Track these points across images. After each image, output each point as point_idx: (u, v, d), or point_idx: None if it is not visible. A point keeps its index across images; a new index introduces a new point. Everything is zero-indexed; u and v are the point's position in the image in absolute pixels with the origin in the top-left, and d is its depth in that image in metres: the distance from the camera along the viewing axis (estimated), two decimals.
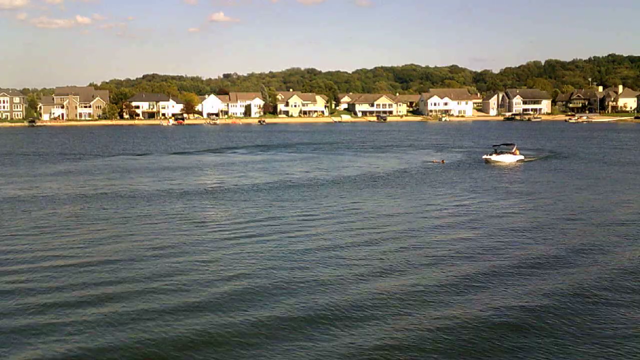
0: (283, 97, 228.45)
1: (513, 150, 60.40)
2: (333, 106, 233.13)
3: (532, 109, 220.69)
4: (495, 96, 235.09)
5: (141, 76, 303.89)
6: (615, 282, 19.08)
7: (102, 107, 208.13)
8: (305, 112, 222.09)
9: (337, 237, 25.36)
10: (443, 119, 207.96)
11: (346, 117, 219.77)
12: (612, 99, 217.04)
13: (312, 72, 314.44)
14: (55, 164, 63.49)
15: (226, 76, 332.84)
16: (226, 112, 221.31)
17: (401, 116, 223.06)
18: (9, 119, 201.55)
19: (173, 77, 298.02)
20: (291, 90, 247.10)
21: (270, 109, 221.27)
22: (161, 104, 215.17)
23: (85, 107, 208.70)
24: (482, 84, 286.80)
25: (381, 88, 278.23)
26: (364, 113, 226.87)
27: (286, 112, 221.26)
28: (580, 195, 37.58)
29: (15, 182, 46.51)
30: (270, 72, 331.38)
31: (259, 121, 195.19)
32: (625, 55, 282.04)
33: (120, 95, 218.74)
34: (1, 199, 37.31)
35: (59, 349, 14.32)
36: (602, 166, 55.53)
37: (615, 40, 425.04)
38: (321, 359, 13.76)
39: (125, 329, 15.36)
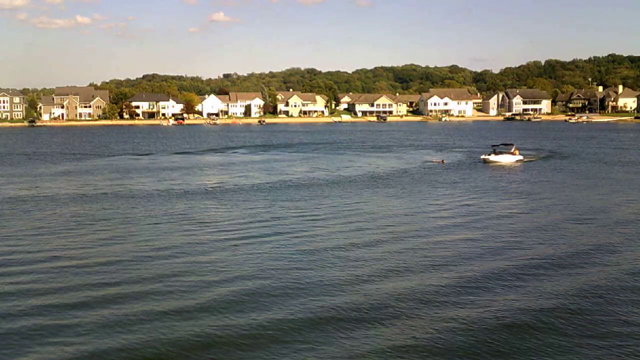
0: (283, 97, 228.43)
1: (512, 151, 60.31)
2: (333, 106, 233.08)
3: (532, 109, 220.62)
4: (495, 96, 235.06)
5: (141, 76, 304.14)
6: (622, 281, 19.08)
7: (102, 107, 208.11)
8: (305, 112, 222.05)
9: (340, 238, 25.32)
10: (443, 119, 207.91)
11: (346, 117, 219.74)
12: (612, 99, 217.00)
13: (312, 72, 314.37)
14: (56, 164, 63.47)
15: (226, 76, 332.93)
16: (226, 112, 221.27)
17: (401, 116, 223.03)
18: (9, 119, 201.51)
19: (173, 77, 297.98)
20: (291, 90, 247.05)
21: (270, 109, 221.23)
22: (161, 104, 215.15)
23: (85, 107, 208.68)
24: (482, 84, 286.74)
25: (381, 88, 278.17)
26: (364, 113, 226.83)
27: (286, 112, 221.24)
28: (580, 195, 37.58)
29: (15, 182, 46.47)
30: (270, 72, 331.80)
31: (259, 121, 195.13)
32: (625, 55, 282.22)
33: (120, 95, 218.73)
34: (1, 199, 37.30)
35: (59, 351, 14.27)
36: (602, 166, 55.50)
37: (615, 40, 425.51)
38: None
39: (126, 331, 15.31)
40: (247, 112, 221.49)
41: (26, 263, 21.70)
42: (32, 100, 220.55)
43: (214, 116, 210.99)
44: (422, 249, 23.54)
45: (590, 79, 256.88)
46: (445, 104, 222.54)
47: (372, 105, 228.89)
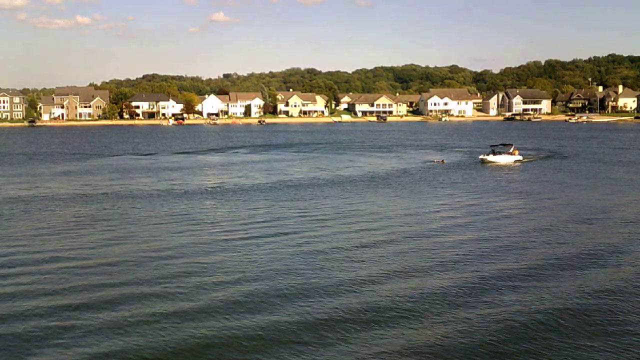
0: (283, 97, 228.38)
1: (511, 151, 60.14)
2: (333, 106, 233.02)
3: (532, 109, 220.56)
4: (495, 96, 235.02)
5: (141, 76, 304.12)
6: (628, 282, 19.07)
7: (102, 107, 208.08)
8: (305, 112, 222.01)
9: (341, 239, 25.27)
10: (443, 119, 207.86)
11: (346, 117, 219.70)
12: (612, 99, 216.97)
13: (312, 72, 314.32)
14: (56, 164, 63.45)
15: (226, 76, 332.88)
16: (226, 112, 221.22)
17: (401, 116, 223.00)
18: (9, 119, 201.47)
19: (173, 77, 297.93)
20: (291, 90, 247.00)
21: (270, 109, 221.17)
22: (161, 104, 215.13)
23: (85, 107, 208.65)
24: (482, 84, 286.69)
25: (381, 88, 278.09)
26: (364, 113, 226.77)
27: (286, 112, 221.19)
28: (581, 195, 37.55)
29: (15, 182, 46.46)
30: (270, 72, 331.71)
31: (259, 121, 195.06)
32: (625, 55, 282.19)
33: (120, 95, 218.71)
34: (2, 199, 37.28)
35: (61, 353, 14.20)
36: (603, 166, 55.43)
37: (615, 40, 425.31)
38: None
39: (127, 333, 15.26)
40: (247, 112, 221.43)
41: (26, 264, 21.64)
42: (32, 100, 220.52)
43: (214, 116, 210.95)
44: (424, 249, 23.49)
45: (590, 79, 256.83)
46: (445, 104, 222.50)
47: (372, 105, 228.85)
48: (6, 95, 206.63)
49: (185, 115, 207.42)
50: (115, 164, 63.10)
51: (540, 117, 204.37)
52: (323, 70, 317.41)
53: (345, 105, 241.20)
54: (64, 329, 15.51)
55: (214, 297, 17.78)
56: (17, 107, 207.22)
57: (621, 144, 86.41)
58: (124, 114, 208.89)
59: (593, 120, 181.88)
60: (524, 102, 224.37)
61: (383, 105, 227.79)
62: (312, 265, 21.08)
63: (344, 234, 26.30)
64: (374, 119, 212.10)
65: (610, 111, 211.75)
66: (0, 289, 18.66)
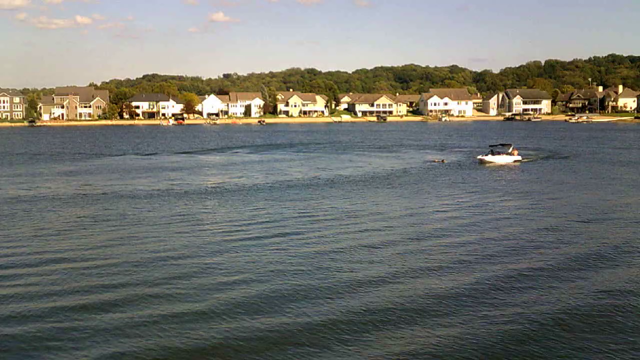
0: (283, 97, 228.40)
1: (510, 151, 59.97)
2: (333, 106, 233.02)
3: (532, 109, 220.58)
4: (495, 96, 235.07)
5: (141, 76, 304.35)
6: (633, 282, 19.07)
7: (102, 107, 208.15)
8: (305, 112, 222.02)
9: (343, 239, 25.22)
10: (443, 119, 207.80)
11: (346, 117, 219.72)
12: (612, 99, 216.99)
13: (312, 72, 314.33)
14: (56, 164, 63.45)
15: (226, 76, 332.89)
16: (226, 112, 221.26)
17: (401, 116, 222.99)
18: (9, 119, 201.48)
19: (173, 77, 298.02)
20: (291, 90, 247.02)
21: (270, 109, 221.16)
22: (161, 104, 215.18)
23: (85, 107, 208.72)
24: (482, 84, 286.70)
25: (381, 88, 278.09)
26: (364, 113, 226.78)
27: (286, 112, 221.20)
28: (582, 195, 37.50)
29: (15, 183, 46.46)
30: (270, 72, 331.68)
31: (259, 121, 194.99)
32: (625, 55, 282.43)
33: (120, 95, 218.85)
34: (2, 199, 37.27)
35: (63, 356, 14.18)
36: (603, 166, 55.31)
37: (615, 40, 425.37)
38: None
39: (128, 335, 15.20)
40: (247, 112, 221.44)
41: (26, 265, 21.56)
42: (32, 100, 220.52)
43: (214, 116, 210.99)
44: (425, 250, 23.42)
45: (590, 79, 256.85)
46: (445, 104, 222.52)
47: (372, 105, 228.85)
48: (6, 95, 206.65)
49: (185, 115, 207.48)
50: (115, 164, 63.09)
51: (540, 117, 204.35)
52: (323, 70, 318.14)
53: (345, 105, 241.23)
54: (65, 330, 15.44)
55: (215, 299, 17.74)
56: (17, 107, 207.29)
57: (621, 143, 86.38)
58: (124, 114, 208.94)
59: (593, 120, 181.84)
60: (524, 102, 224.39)
61: (383, 105, 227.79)
62: (313, 266, 21.05)
63: (345, 234, 26.28)
64: (374, 119, 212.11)
65: (610, 111, 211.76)
66: (0, 290, 18.61)
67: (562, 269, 20.50)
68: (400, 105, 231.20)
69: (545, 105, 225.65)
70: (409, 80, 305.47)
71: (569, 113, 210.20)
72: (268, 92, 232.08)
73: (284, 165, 60.78)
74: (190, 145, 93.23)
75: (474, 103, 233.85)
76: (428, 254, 22.64)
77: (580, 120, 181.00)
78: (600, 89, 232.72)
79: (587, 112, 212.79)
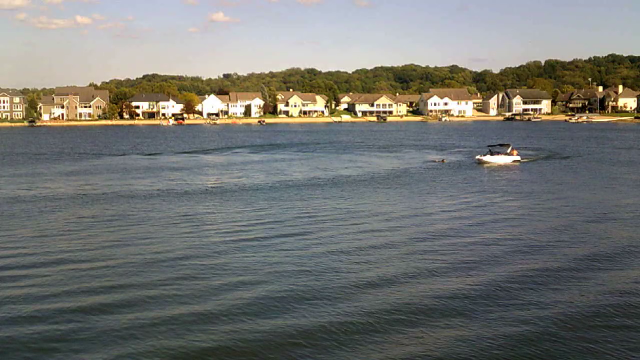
0: (283, 97, 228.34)
1: (509, 151, 59.84)
2: (333, 106, 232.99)
3: (532, 109, 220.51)
4: (495, 96, 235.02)
5: (141, 76, 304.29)
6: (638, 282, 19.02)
7: (102, 107, 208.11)
8: (305, 112, 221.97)
9: (344, 240, 25.19)
10: (443, 119, 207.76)
11: (346, 117, 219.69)
12: (612, 99, 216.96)
13: (312, 72, 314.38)
14: (56, 164, 63.44)
15: (226, 76, 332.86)
16: (226, 112, 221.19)
17: (401, 116, 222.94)
18: (9, 119, 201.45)
19: (173, 77, 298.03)
20: (291, 90, 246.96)
21: (270, 109, 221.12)
22: (161, 104, 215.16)
23: (85, 107, 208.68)
24: (482, 84, 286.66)
25: (381, 88, 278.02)
26: (364, 113, 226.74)
27: (286, 112, 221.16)
28: (582, 195, 37.46)
29: (15, 183, 46.44)
30: (270, 72, 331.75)
31: (259, 121, 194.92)
32: (625, 55, 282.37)
33: (120, 95, 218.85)
34: (2, 199, 37.25)
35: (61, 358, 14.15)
36: (603, 166, 55.26)
37: (615, 40, 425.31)
38: None
39: (128, 336, 15.16)
40: (247, 112, 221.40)
41: (26, 266, 21.49)
42: (32, 100, 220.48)
43: (214, 116, 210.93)
44: (426, 251, 23.39)
45: (590, 79, 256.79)
46: (445, 104, 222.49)
47: (372, 105, 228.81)
48: (6, 95, 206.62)
49: (185, 115, 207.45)
50: (115, 164, 63.07)
51: (540, 117, 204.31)
52: (323, 70, 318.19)
53: (345, 105, 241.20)
54: (65, 332, 15.39)
55: (216, 300, 17.69)
56: (17, 107, 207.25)
57: (621, 143, 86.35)
58: (124, 114, 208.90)
59: (593, 120, 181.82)
60: (524, 102, 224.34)
61: (383, 105, 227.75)
62: (313, 267, 21.01)
63: (346, 234, 26.25)
64: (374, 119, 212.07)
65: (610, 111, 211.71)
66: (2, 292, 18.55)
67: (564, 270, 20.44)
68: (400, 105, 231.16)
69: (545, 105, 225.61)
70: (409, 80, 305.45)
71: (569, 113, 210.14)
72: (268, 92, 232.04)
73: (284, 165, 60.76)
74: (190, 145, 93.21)
75: (474, 103, 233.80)
76: (430, 255, 22.62)
77: (580, 120, 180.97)
78: (600, 89, 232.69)
79: (587, 112, 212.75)
